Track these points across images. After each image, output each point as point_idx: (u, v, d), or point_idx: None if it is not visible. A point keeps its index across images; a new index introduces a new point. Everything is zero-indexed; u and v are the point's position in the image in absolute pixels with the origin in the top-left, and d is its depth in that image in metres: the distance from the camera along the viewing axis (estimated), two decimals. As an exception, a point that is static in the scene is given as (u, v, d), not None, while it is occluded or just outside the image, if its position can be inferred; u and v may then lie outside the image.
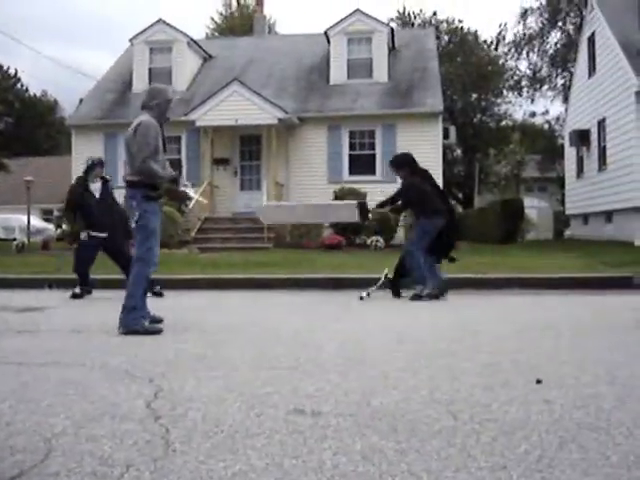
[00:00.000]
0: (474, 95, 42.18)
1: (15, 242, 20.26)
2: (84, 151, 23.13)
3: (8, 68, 58.29)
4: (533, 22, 39.66)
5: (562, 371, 4.29)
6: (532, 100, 41.71)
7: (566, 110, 31.02)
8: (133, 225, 6.44)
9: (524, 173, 41.16)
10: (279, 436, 3.01)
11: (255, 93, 21.12)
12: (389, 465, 2.65)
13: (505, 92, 42.67)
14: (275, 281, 11.15)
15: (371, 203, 10.37)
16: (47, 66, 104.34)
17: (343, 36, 23.39)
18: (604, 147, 22.93)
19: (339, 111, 22.06)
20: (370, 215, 9.76)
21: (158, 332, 6.14)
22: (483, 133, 41.70)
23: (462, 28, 42.51)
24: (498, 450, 2.80)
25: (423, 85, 22.72)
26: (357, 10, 23.63)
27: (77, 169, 23.13)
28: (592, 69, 24.47)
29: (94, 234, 9.88)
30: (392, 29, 24.61)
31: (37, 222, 31.18)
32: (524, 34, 40.00)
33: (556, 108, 43.50)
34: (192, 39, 25.11)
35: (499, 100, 42.94)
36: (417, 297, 8.92)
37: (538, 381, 3.95)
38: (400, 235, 19.03)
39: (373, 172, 21.54)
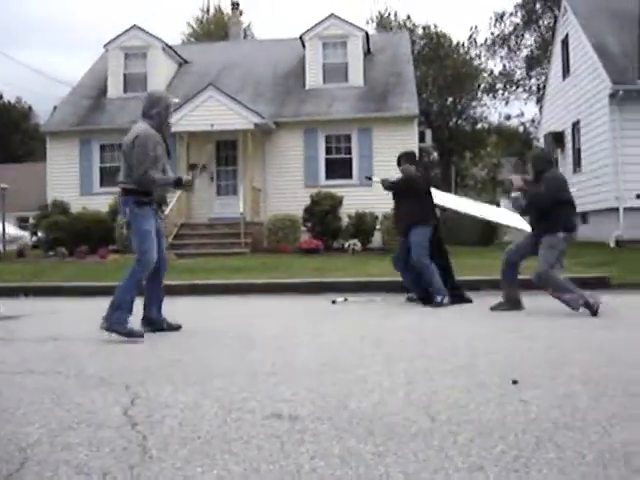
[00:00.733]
0: (450, 98, 42.42)
1: (-10, 250, 20.10)
2: (59, 158, 23.05)
3: (-18, 75, 57.89)
4: (507, 23, 40.00)
5: (537, 371, 4.32)
6: (507, 102, 42.06)
7: (541, 112, 31.23)
8: (133, 227, 6.42)
9: (500, 175, 41.43)
10: (256, 441, 3.00)
11: (231, 98, 21.08)
12: (367, 468, 2.65)
13: (480, 94, 42.94)
14: (252, 286, 11.13)
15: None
16: (21, 73, 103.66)
17: (318, 40, 23.42)
18: (579, 149, 23.10)
19: (315, 115, 22.06)
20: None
21: (139, 336, 6.07)
22: (459, 136, 41.95)
23: (437, 32, 42.75)
24: (475, 451, 2.82)
25: (398, 89, 22.78)
26: (332, 15, 23.66)
27: (52, 176, 23.07)
28: (566, 71, 24.65)
29: None
30: (367, 33, 24.64)
31: (12, 230, 30.92)
32: (498, 35, 40.34)
33: (531, 110, 43.89)
34: (167, 44, 25.04)
35: (474, 103, 43.20)
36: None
37: (514, 382, 3.97)
38: (377, 238, 19.06)
39: (349, 176, 21.56)
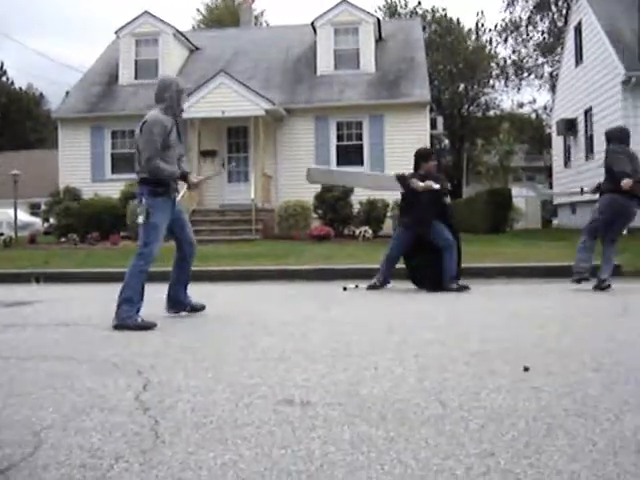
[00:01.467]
0: (461, 85, 42.24)
1: (2, 237, 20.17)
2: (70, 144, 23.09)
3: (-6, 62, 57.96)
4: (519, 10, 39.77)
5: (549, 359, 4.31)
6: (519, 89, 41.87)
7: (553, 99, 31.08)
8: (139, 221, 6.39)
9: (512, 162, 41.29)
10: (268, 426, 3.01)
11: (242, 84, 21.05)
12: (378, 453, 2.66)
13: (492, 81, 42.75)
14: (263, 273, 11.15)
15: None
16: (32, 59, 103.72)
17: (330, 27, 23.35)
18: (591, 136, 23.00)
19: (326, 102, 22.02)
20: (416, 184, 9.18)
21: (151, 327, 5.97)
22: (471, 123, 41.80)
23: (447, 17, 42.55)
24: (486, 437, 2.82)
25: (410, 75, 22.71)
26: (343, 1, 23.56)
27: (64, 162, 23.12)
28: (579, 58, 24.52)
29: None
30: (378, 20, 24.55)
31: (24, 216, 31.03)
32: (510, 21, 40.11)
33: (543, 97, 43.73)
34: (178, 31, 25.02)
35: (486, 90, 43.00)
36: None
37: (525, 369, 3.97)
38: (388, 226, 19.04)
39: (361, 163, 21.53)
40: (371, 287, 9.13)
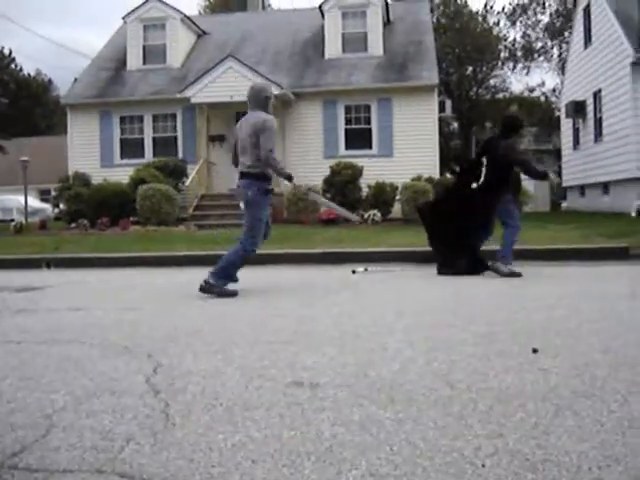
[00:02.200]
0: (470, 68, 42.00)
1: (13, 223, 20.24)
2: (79, 130, 23.12)
3: (2, 48, 57.86)
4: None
5: (557, 341, 4.32)
6: (527, 71, 41.61)
7: (562, 82, 30.94)
8: (243, 207, 7.43)
9: (521, 145, 41.13)
10: (277, 408, 3.04)
11: (250, 69, 21.02)
12: (387, 434, 2.68)
13: (500, 64, 42.49)
14: (273, 256, 11.16)
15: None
16: (40, 45, 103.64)
17: (337, 10, 23.25)
18: (600, 118, 22.91)
19: (334, 86, 21.96)
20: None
21: (233, 295, 7.03)
22: (479, 106, 41.59)
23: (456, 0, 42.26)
24: (494, 418, 2.84)
25: (418, 58, 22.62)
26: (351, -16, 23.46)
27: (73, 148, 23.15)
28: (588, 40, 24.38)
29: None
30: (386, 2, 24.42)
31: (34, 202, 31.13)
32: (517, 4, 39.88)
33: (553, 80, 43.49)
34: (186, 15, 24.96)
35: (495, 72, 42.77)
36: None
37: (534, 350, 3.98)
38: (397, 209, 19.02)
39: (369, 146, 21.50)
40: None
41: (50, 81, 65.50)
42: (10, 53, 59.16)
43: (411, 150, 20.44)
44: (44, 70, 68.25)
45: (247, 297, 7.02)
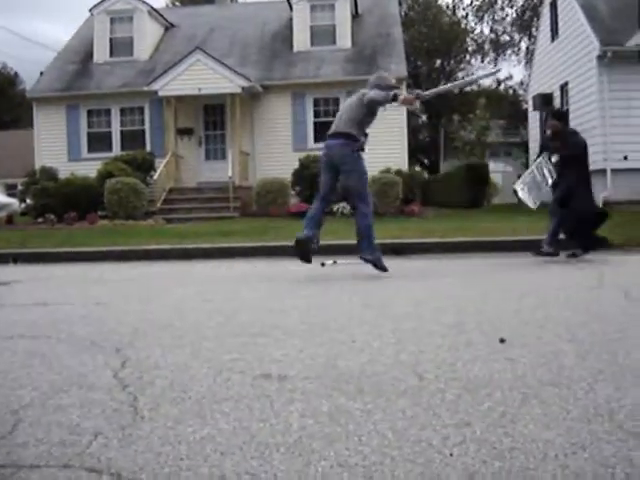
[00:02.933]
0: (438, 61, 42.18)
1: (-22, 218, 20.00)
2: (46, 124, 22.90)
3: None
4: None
5: (524, 330, 4.36)
6: (495, 64, 41.82)
7: (529, 74, 31.14)
8: (359, 168, 7.82)
9: (489, 138, 41.37)
10: (246, 400, 3.03)
11: (218, 62, 20.94)
12: (356, 425, 2.68)
13: (468, 57, 42.73)
14: (242, 249, 11.14)
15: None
16: (5, 38, 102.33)
17: (306, 3, 23.24)
18: (567, 110, 23.08)
19: (303, 78, 21.95)
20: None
21: (385, 270, 7.63)
22: (448, 99, 41.76)
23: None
24: (462, 408, 2.85)
25: (387, 51, 22.67)
26: (320, -24, 23.45)
27: (39, 142, 22.92)
28: (555, 33, 24.54)
29: None
30: (355, -5, 24.46)
31: (0, 197, 30.74)
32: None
33: (520, 73, 43.80)
34: (153, 8, 24.82)
35: (462, 65, 42.99)
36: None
37: (501, 340, 4.01)
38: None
39: (338, 139, 21.48)
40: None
41: (16, 74, 64.78)
42: (-25, 46, 58.42)
43: (380, 143, 20.42)
44: (10, 63, 67.39)
45: (215, 291, 7.00)
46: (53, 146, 22.59)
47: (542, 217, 12.75)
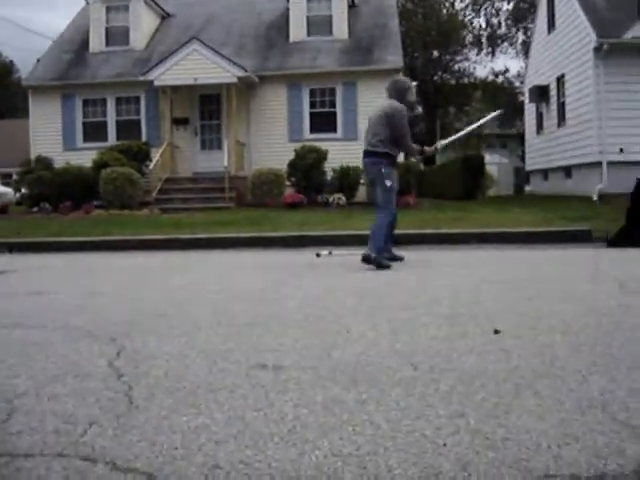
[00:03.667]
0: (435, 52, 42.14)
1: (-26, 207, 19.97)
2: (41, 113, 22.82)
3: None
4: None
5: (519, 322, 4.37)
6: (492, 55, 41.84)
7: (526, 66, 31.13)
8: (381, 183, 8.00)
9: (485, 130, 41.36)
10: (241, 390, 3.04)
11: (214, 51, 20.87)
12: (350, 415, 2.69)
13: (465, 49, 42.70)
14: (237, 240, 11.14)
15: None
16: (1, 26, 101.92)
17: (302, -7, 23.15)
18: (563, 103, 23.09)
19: (299, 69, 21.89)
20: None
21: (387, 267, 7.64)
22: (444, 90, 41.78)
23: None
24: (456, 398, 2.86)
25: (383, 42, 22.60)
26: (316, -34, 23.36)
27: (35, 131, 22.85)
28: (551, 25, 24.52)
29: None
30: (352, -15, 24.38)
31: (-5, 186, 30.69)
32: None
33: (517, 65, 43.85)
34: (149, -3, 24.70)
35: (459, 57, 42.96)
36: None
37: (496, 331, 4.02)
38: (361, 193, 19.03)
39: (334, 130, 21.50)
40: None
41: (12, 63, 64.57)
42: (-30, 35, 58.21)
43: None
44: (5, 52, 67.19)
45: (210, 281, 7.01)
46: (48, 135, 22.51)
47: (535, 210, 12.77)
